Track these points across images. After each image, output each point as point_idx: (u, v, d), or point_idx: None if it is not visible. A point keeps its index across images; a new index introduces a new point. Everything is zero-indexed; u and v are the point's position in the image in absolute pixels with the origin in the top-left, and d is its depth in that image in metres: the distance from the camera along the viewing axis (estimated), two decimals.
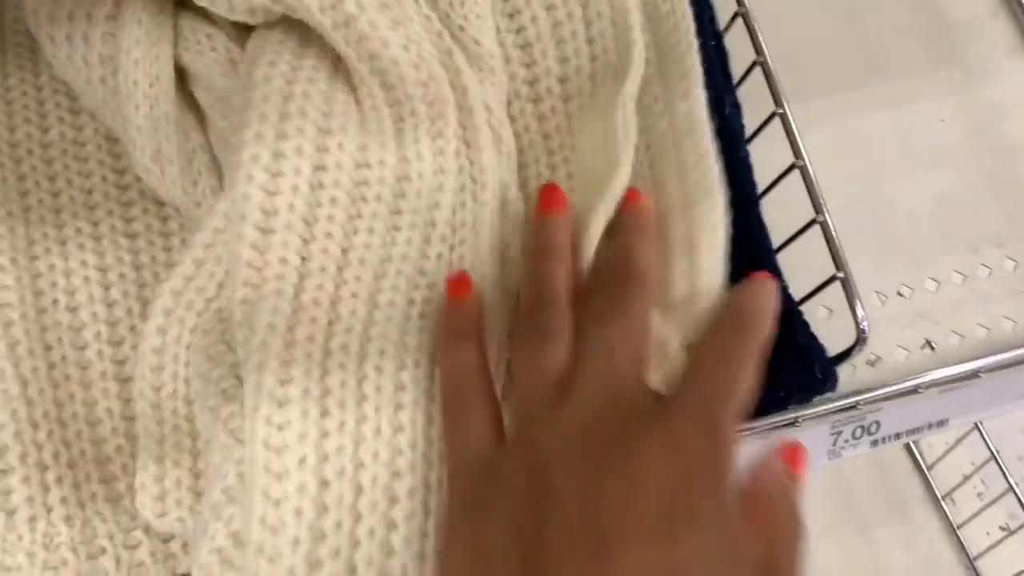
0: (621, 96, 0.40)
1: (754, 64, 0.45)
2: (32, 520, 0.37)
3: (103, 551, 0.38)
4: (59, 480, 0.37)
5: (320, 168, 0.37)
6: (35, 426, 0.38)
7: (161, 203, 0.43)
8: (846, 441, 0.49)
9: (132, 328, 0.41)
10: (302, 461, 0.33)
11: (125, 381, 0.40)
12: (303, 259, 0.37)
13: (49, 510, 0.37)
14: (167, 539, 0.39)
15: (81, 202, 0.42)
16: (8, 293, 0.39)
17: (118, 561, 0.38)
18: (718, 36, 0.46)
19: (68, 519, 0.37)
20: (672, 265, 0.38)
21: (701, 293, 0.37)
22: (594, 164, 0.41)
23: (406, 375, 0.36)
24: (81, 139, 0.43)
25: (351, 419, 0.35)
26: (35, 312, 0.39)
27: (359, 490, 0.34)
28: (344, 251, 0.38)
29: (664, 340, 0.36)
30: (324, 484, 0.33)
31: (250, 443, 0.33)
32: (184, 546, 0.39)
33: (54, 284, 0.40)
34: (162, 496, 0.37)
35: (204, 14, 0.41)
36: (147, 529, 0.38)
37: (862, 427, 0.49)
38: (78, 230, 0.41)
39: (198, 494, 0.38)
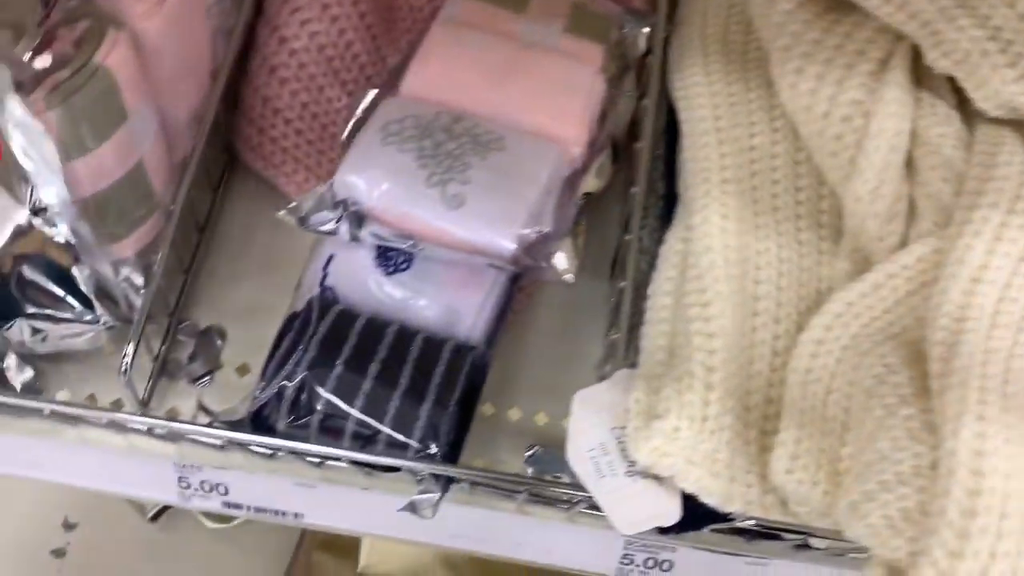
0: None
1: None
2: (712, 433, 0.43)
3: (732, 480, 0.44)
4: (731, 410, 0.44)
5: None
6: (732, 361, 0.45)
7: (819, 225, 0.50)
8: None
9: (788, 314, 0.48)
10: (994, 469, 0.39)
11: (775, 354, 0.47)
12: (994, 313, 0.43)
13: (720, 429, 0.44)
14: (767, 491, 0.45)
15: (768, 203, 0.50)
16: (732, 253, 0.48)
17: (732, 492, 0.44)
18: None
19: (728, 443, 0.44)
20: None
21: None
22: None
23: None
24: (774, 152, 0.52)
25: (1019, 452, 0.40)
26: (739, 274, 0.47)
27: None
28: (1022, 317, 0.44)
29: None
30: (1007, 496, 0.39)
31: (952, 437, 0.40)
32: (774, 502, 0.45)
33: (749, 259, 0.48)
34: (795, 456, 0.44)
35: (942, 95, 0.49)
36: (749, 471, 0.45)
37: None
38: (766, 223, 0.49)
39: (819, 466, 0.44)
